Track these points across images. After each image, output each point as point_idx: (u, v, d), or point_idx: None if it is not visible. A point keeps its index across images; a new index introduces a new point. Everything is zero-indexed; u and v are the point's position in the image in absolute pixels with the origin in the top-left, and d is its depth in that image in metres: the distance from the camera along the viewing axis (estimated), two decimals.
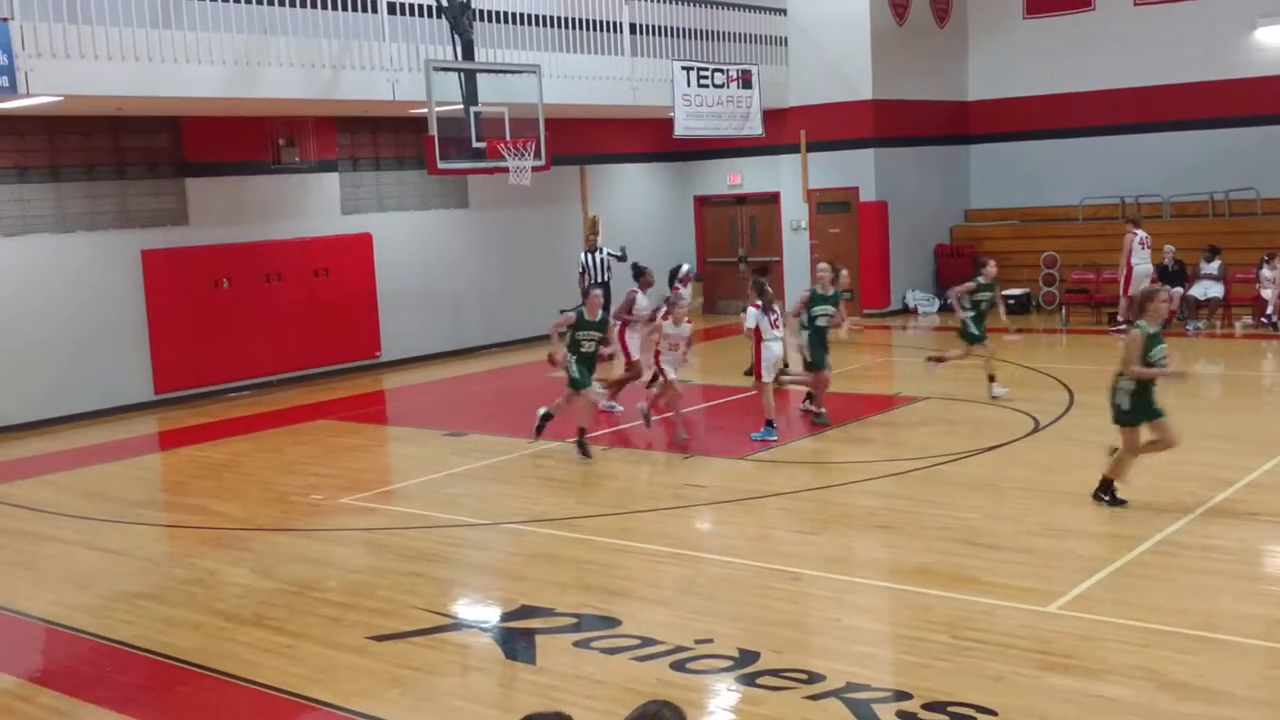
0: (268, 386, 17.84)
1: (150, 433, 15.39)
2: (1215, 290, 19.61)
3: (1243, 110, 21.40)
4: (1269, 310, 18.89)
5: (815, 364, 13.54)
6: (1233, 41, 21.56)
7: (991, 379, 14.37)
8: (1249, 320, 19.37)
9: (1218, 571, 8.18)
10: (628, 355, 14.58)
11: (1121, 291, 19.80)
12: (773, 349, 12.83)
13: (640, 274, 15.20)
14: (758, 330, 12.85)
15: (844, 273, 14.32)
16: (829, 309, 13.39)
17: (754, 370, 13.16)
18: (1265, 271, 19.05)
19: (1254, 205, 21.43)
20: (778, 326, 12.96)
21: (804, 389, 14.04)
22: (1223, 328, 19.47)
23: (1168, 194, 22.19)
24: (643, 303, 14.65)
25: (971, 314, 14.29)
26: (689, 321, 13.22)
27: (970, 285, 14.36)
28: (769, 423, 12.85)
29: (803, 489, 10.77)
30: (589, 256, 19.40)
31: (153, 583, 9.20)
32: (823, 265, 14.01)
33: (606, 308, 19.40)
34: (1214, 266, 19.75)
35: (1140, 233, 19.42)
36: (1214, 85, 21.71)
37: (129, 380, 16.44)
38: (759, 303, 12.90)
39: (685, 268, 16.84)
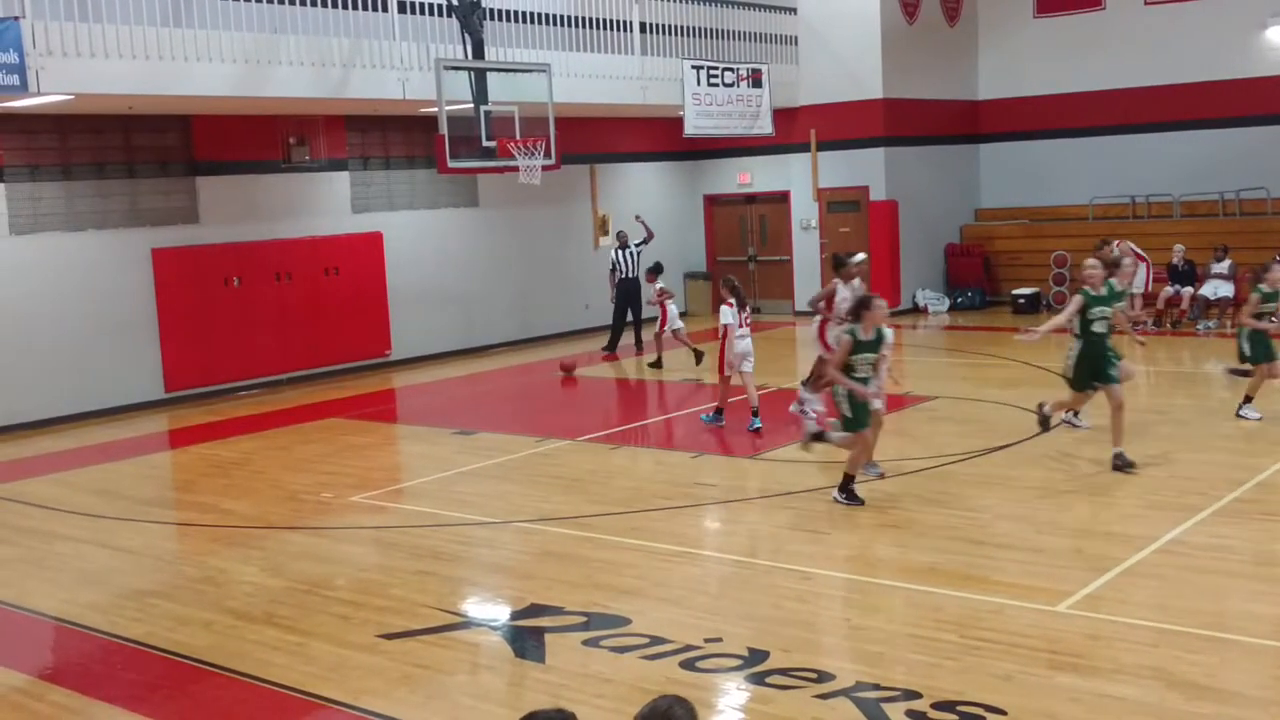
0: (278, 385, 17.89)
1: (160, 431, 15.42)
2: (1226, 290, 19.56)
3: (1253, 109, 21.35)
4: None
5: (1096, 376, 11.07)
6: (1243, 41, 21.52)
7: (1249, 399, 12.79)
8: None
9: (1228, 571, 8.17)
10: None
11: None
12: (740, 344, 13.27)
13: (841, 265, 13.25)
14: (728, 326, 13.30)
15: (1118, 247, 11.81)
16: (1105, 310, 11.01)
17: (719, 363, 13.62)
18: (1276, 271, 18.94)
19: (1265, 205, 21.37)
20: (747, 324, 13.40)
21: None
22: (1233, 327, 19.36)
23: (1178, 193, 22.15)
24: (844, 294, 13.06)
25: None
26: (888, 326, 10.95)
27: (1255, 298, 12.78)
28: (718, 410, 13.61)
29: (812, 488, 10.76)
30: (619, 253, 19.58)
31: (163, 581, 9.22)
32: (1091, 261, 11.36)
33: (635, 303, 19.62)
34: (1224, 266, 19.70)
35: (1125, 243, 19.09)
36: (1224, 84, 21.67)
37: (139, 378, 16.49)
38: (731, 301, 13.34)
39: (861, 256, 14.56)
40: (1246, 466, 10.60)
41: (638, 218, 20.50)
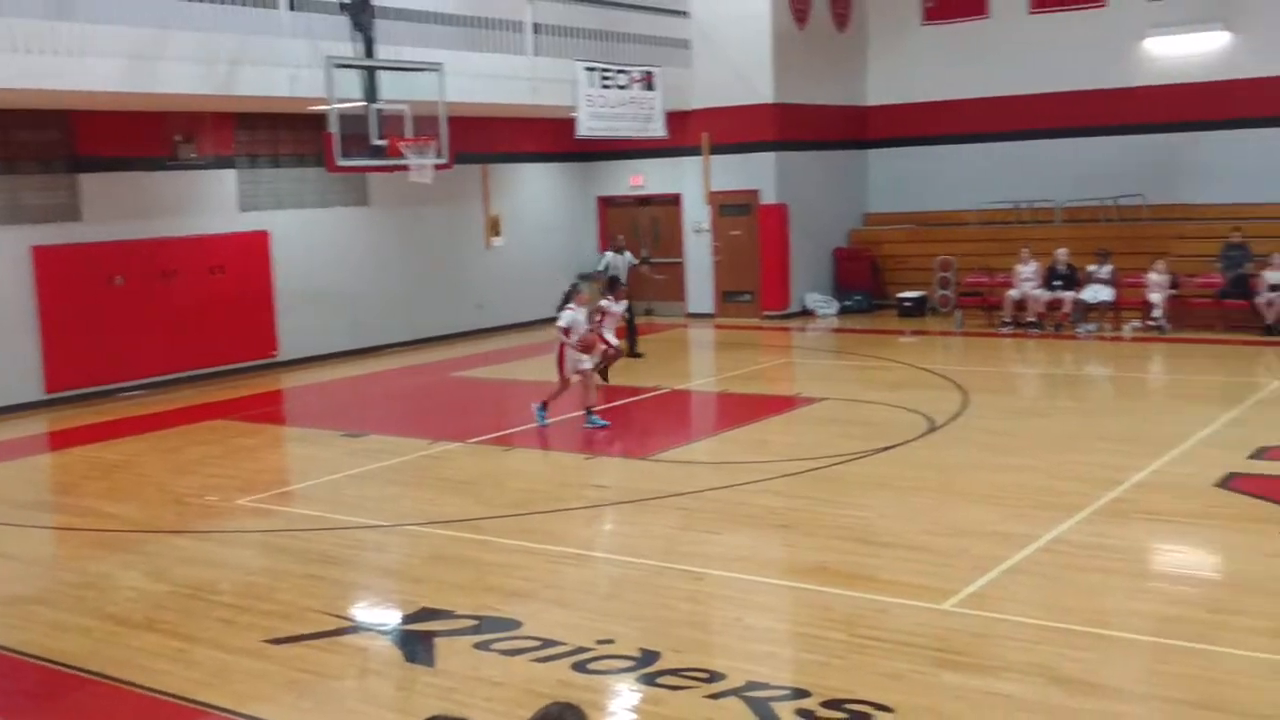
0: (163, 386, 17.50)
1: (40, 432, 15.01)
2: (1105, 294, 20.08)
3: (1133, 119, 21.96)
4: (1156, 313, 19.40)
5: None
6: (1124, 51, 22.11)
7: None
8: (1138, 323, 19.86)
9: (1108, 569, 8.37)
10: None
11: None
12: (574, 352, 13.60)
13: None
14: (567, 330, 13.53)
15: None
16: None
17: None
18: (1152, 275, 19.56)
19: (1142, 211, 21.99)
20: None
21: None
22: (1112, 330, 19.95)
23: (1060, 200, 22.69)
24: None
25: None
26: None
27: None
28: (589, 410, 13.65)
29: (704, 489, 10.82)
30: (615, 257, 18.96)
31: (42, 587, 8.97)
32: None
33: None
34: (1105, 271, 20.22)
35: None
36: (1105, 93, 22.25)
37: (18, 379, 16.00)
38: (571, 307, 13.63)
39: None
40: (1125, 467, 10.88)
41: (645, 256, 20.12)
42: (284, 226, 19.17)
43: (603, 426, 13.50)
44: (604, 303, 15.56)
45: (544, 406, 13.74)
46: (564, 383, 13.70)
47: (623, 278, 18.56)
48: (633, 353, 18.81)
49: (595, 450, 12.70)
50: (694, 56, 23.24)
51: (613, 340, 15.47)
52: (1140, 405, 14.93)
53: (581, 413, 13.70)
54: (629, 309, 18.39)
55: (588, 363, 13.73)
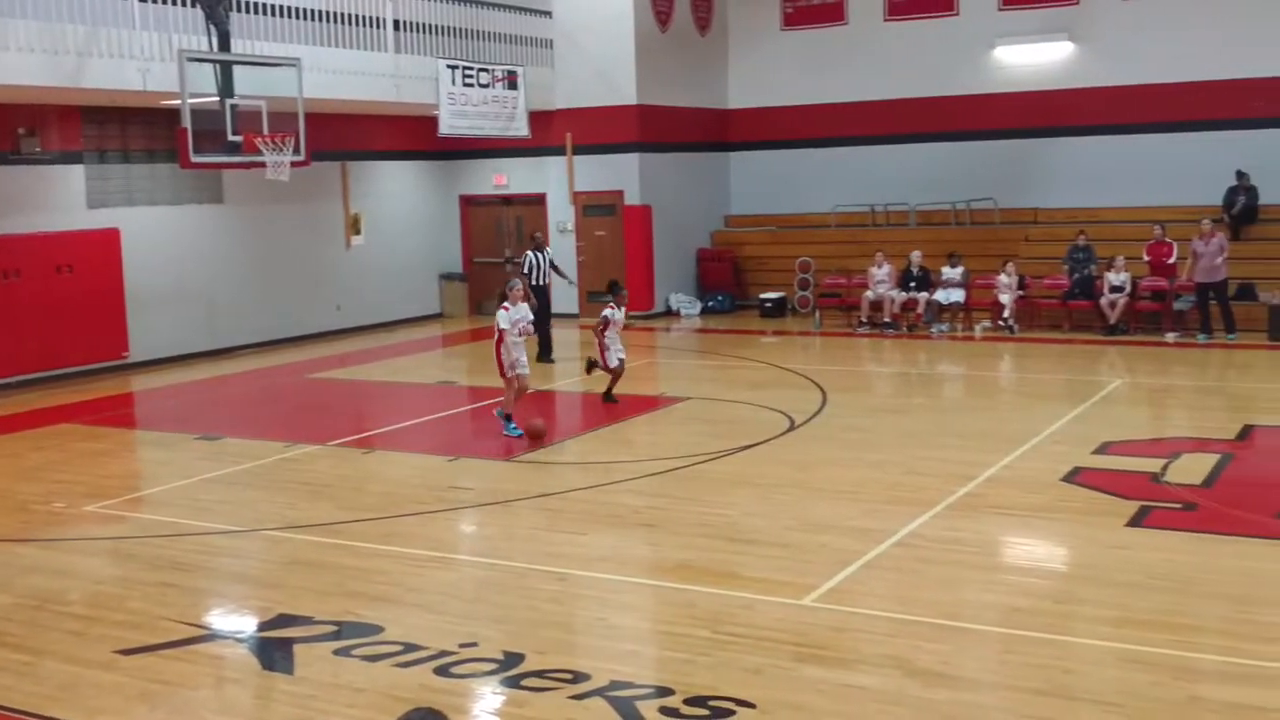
0: (5, 389, 16.87)
1: None
2: (957, 295, 20.61)
3: (983, 124, 22.58)
4: (1005, 314, 19.95)
5: None
6: (975, 59, 22.72)
7: None
8: (988, 323, 20.41)
9: (960, 563, 8.58)
10: None
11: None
12: (512, 350, 13.05)
13: None
14: (504, 331, 12.99)
15: None
16: None
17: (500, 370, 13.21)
18: (1002, 278, 20.12)
19: (993, 215, 22.62)
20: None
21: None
22: (964, 330, 20.47)
23: (914, 202, 23.21)
24: None
25: None
26: None
27: None
28: (508, 417, 13.08)
29: (569, 489, 10.82)
30: (536, 255, 18.26)
31: None
32: None
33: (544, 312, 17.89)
34: (956, 272, 20.75)
35: None
36: (957, 100, 22.84)
37: None
38: (506, 305, 13.06)
39: None
40: (977, 463, 11.17)
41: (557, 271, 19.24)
42: (135, 224, 18.62)
43: (518, 436, 12.89)
44: (607, 312, 14.83)
45: (509, 417, 13.05)
46: (509, 383, 13.14)
47: (543, 277, 18.16)
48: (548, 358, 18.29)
49: (458, 452, 12.60)
50: (557, 57, 23.24)
51: (620, 353, 14.83)
52: (991, 403, 15.34)
53: (501, 416, 13.21)
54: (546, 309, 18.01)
55: (524, 367, 13.13)
